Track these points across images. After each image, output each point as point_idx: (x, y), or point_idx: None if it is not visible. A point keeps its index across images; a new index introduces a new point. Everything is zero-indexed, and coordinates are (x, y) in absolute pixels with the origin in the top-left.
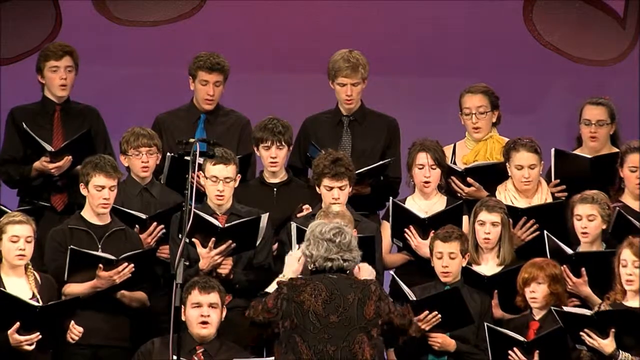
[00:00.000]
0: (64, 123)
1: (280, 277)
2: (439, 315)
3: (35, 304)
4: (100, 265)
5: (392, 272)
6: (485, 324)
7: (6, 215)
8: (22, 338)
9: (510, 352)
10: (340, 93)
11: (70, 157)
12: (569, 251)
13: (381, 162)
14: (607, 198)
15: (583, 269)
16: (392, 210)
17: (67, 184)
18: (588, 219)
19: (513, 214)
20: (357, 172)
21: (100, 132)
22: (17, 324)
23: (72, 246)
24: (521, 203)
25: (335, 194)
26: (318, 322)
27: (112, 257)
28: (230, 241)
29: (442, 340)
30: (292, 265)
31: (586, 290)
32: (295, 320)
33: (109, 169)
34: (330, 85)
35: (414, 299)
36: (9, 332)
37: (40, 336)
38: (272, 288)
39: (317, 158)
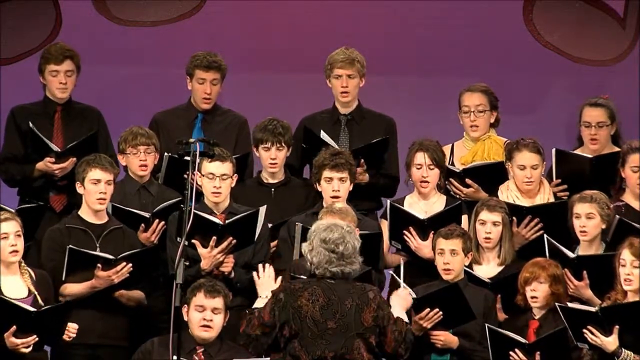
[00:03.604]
0: (65, 123)
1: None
2: (440, 313)
3: (31, 309)
4: (99, 265)
5: (391, 271)
6: (487, 325)
7: None
8: (18, 341)
9: (511, 353)
10: (336, 87)
11: (74, 158)
12: (571, 254)
13: (378, 139)
14: (606, 198)
15: (585, 272)
16: (390, 212)
17: (67, 185)
18: (587, 217)
19: (517, 212)
20: (353, 149)
21: (102, 133)
22: (14, 328)
23: (70, 246)
24: (524, 203)
25: (335, 185)
26: (316, 327)
27: (111, 257)
28: (231, 238)
29: (445, 338)
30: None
31: (588, 293)
32: (293, 326)
33: (105, 163)
34: (328, 83)
35: (414, 296)
36: (5, 335)
37: (37, 339)
38: (259, 303)
39: (317, 155)
